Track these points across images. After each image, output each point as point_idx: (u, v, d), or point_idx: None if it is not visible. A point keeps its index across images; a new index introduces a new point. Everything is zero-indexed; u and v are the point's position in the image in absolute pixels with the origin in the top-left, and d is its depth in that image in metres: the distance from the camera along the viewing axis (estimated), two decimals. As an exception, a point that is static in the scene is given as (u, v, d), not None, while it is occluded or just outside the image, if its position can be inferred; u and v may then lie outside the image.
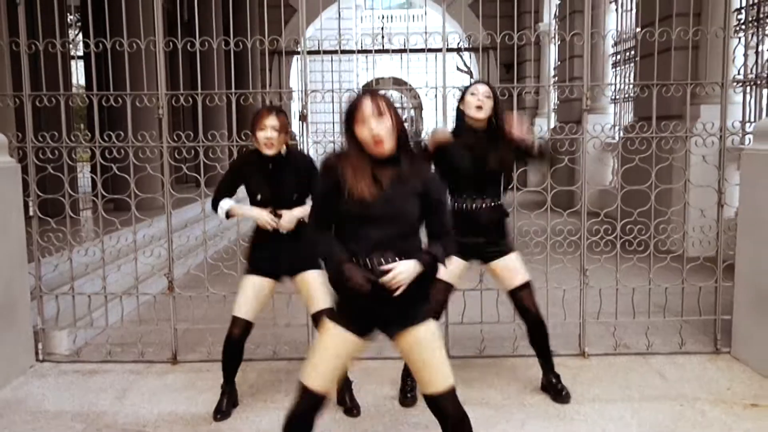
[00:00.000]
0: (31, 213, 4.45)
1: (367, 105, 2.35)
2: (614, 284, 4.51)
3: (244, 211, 3.59)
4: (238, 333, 3.58)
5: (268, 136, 3.43)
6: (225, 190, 3.66)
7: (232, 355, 3.66)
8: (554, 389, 3.81)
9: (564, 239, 4.64)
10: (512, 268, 3.75)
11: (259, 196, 3.55)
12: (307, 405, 2.48)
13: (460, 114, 3.72)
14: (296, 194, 3.55)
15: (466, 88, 3.73)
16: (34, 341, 4.42)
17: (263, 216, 3.49)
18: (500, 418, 3.57)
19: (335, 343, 2.48)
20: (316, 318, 3.53)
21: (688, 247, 4.56)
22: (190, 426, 3.54)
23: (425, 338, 2.47)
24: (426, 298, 2.53)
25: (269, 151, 3.46)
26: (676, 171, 4.91)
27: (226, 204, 3.61)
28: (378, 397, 3.84)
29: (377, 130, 2.33)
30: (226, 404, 3.65)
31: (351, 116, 2.37)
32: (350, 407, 3.65)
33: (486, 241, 3.71)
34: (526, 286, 3.76)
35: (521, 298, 3.75)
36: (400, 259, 2.35)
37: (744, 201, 4.27)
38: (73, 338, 4.62)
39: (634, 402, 3.76)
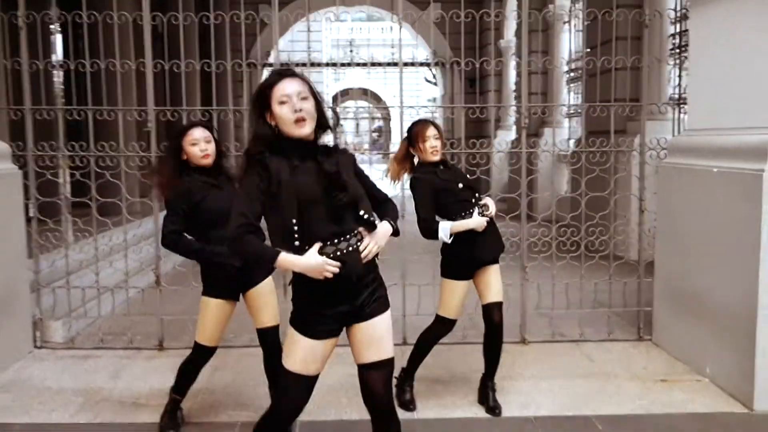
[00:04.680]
0: (31, 214, 4.93)
1: None
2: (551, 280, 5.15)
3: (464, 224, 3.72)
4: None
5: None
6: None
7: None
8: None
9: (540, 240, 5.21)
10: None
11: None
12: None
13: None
14: None
15: (272, 83, 2.42)
16: (32, 330, 4.91)
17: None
18: (446, 392, 4.17)
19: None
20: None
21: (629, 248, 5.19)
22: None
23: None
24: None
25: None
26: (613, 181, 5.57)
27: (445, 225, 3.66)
28: (343, 375, 4.37)
29: None
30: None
31: None
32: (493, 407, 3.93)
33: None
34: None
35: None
36: None
37: (661, 208, 4.92)
38: (68, 327, 5.09)
39: (563, 379, 4.38)
